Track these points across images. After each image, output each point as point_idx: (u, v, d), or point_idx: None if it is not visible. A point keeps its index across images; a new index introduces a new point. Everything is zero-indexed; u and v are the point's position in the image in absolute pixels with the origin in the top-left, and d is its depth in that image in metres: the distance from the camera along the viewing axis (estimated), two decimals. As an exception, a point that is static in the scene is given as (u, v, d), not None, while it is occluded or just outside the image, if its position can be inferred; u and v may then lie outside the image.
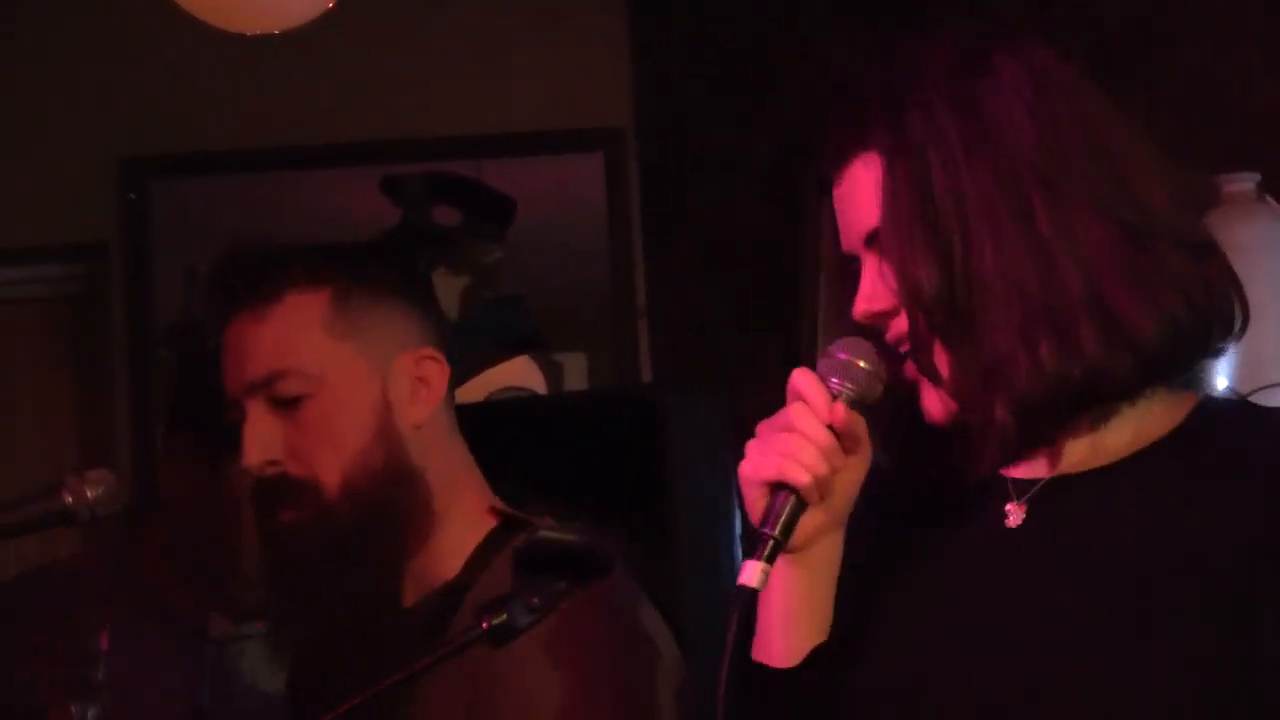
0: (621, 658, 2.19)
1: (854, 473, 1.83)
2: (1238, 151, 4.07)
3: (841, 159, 1.86)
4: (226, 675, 2.79)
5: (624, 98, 5.14)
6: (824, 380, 1.81)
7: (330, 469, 2.22)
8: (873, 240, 1.84)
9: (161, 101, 5.14)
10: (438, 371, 2.29)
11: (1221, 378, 3.49)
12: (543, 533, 1.89)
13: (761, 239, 4.93)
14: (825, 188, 1.90)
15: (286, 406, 2.24)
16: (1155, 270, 1.78)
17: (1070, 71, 1.86)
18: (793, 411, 1.80)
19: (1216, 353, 1.85)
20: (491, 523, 2.28)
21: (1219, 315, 1.83)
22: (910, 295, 1.80)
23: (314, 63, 5.06)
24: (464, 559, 2.25)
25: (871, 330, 1.85)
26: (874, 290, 1.84)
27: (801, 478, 1.77)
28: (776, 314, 4.78)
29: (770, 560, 1.76)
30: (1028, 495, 1.84)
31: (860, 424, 1.81)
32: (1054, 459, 1.84)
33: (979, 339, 1.77)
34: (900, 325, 1.83)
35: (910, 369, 1.83)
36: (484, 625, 1.83)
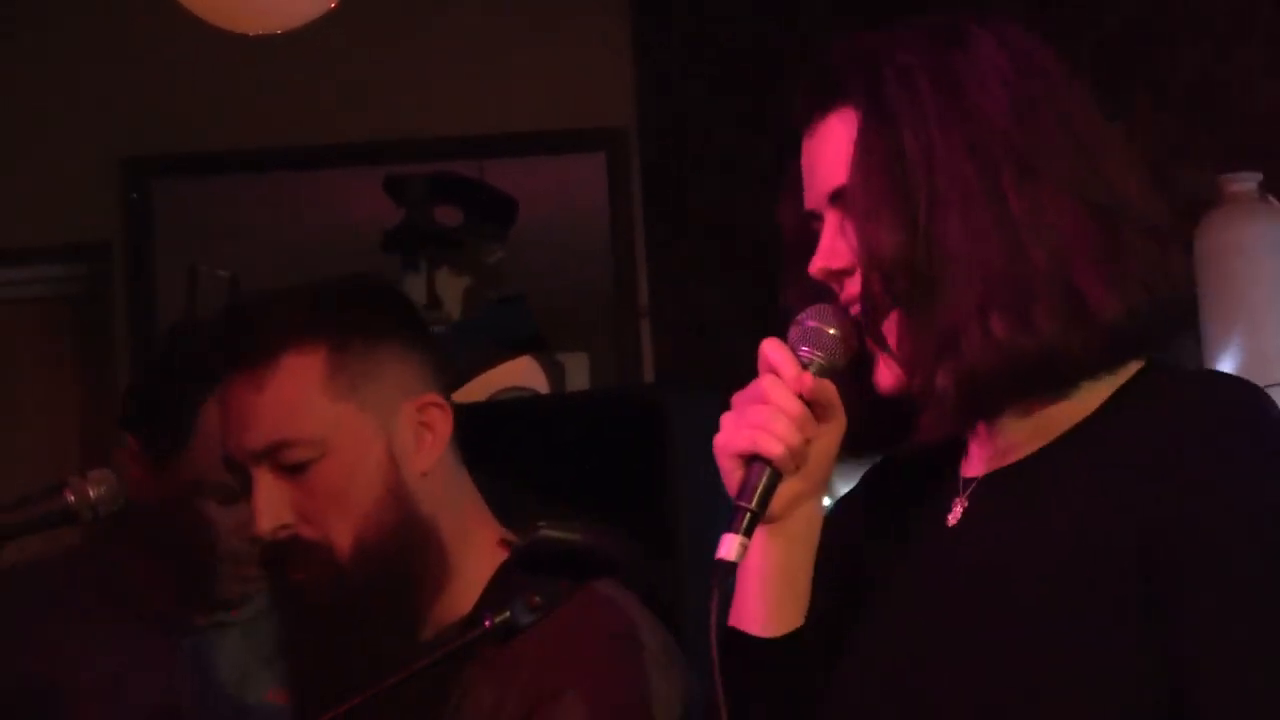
0: (616, 663, 2.18)
1: (829, 439, 1.83)
2: (1240, 151, 4.07)
3: (816, 112, 1.85)
4: (204, 670, 2.80)
5: (625, 97, 5.15)
6: (794, 349, 1.83)
7: (342, 531, 2.20)
8: (838, 197, 1.82)
9: (163, 101, 5.14)
10: (441, 417, 2.26)
11: (1224, 377, 3.50)
12: (544, 532, 1.89)
13: (763, 238, 4.92)
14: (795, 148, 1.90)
15: (293, 471, 2.21)
16: (1122, 253, 1.76)
17: (1049, 56, 1.85)
18: (764, 383, 1.81)
19: (1168, 344, 1.84)
20: (502, 555, 2.26)
21: (1180, 304, 1.82)
22: (869, 256, 1.78)
23: (316, 63, 5.06)
24: (478, 594, 2.24)
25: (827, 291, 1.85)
26: (833, 248, 1.83)
27: (774, 449, 1.78)
28: (778, 314, 4.78)
29: (748, 533, 1.77)
30: (968, 492, 1.84)
31: (831, 391, 1.82)
32: (1005, 451, 1.83)
33: (933, 306, 1.76)
34: (855, 286, 1.82)
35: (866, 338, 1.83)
36: (486, 623, 1.83)
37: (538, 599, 1.85)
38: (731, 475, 1.81)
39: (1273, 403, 1.78)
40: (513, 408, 4.17)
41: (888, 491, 1.92)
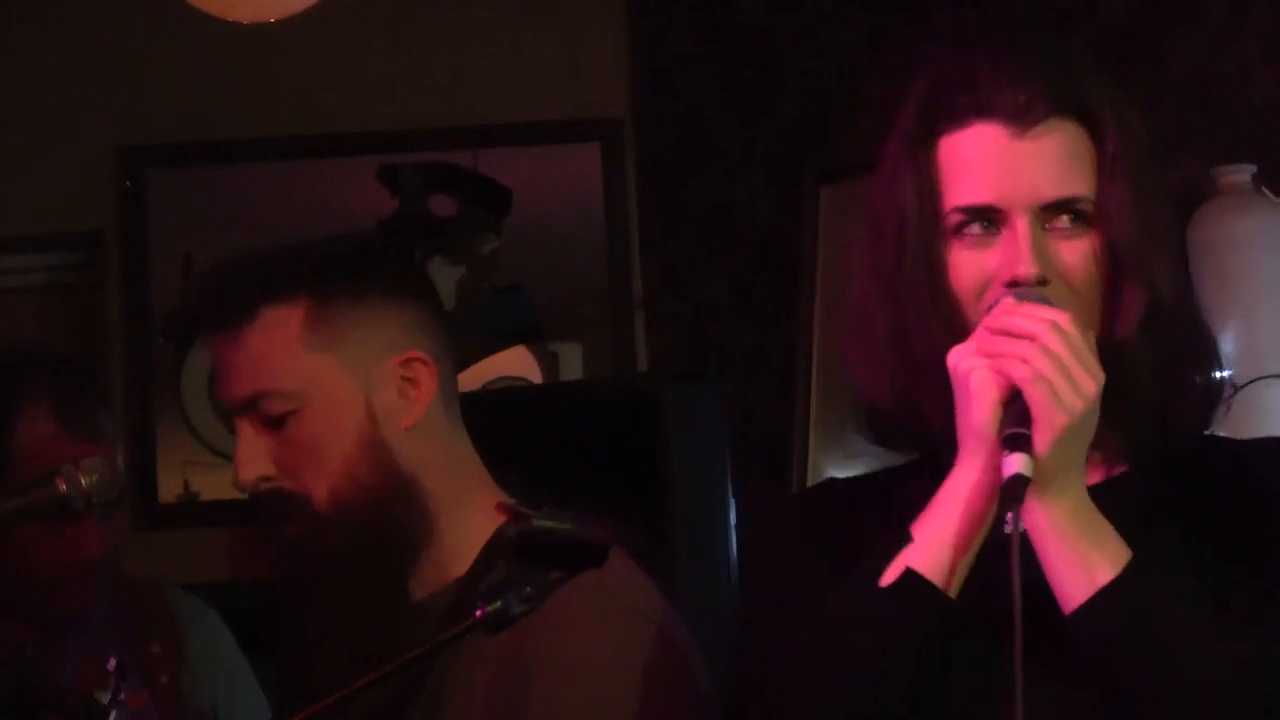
0: (624, 637, 2.18)
1: None
2: (1235, 144, 4.07)
3: (1044, 114, 1.88)
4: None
5: (621, 88, 5.14)
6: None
7: (319, 483, 2.22)
8: (1059, 209, 1.87)
9: (158, 90, 5.13)
10: (427, 373, 2.27)
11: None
12: (537, 522, 1.89)
13: (759, 230, 4.93)
14: (916, 146, 1.92)
15: (274, 423, 2.23)
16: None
17: None
18: (1068, 323, 1.82)
19: None
20: (500, 519, 2.27)
21: None
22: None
23: (311, 52, 5.06)
24: (472, 556, 2.24)
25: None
26: (1036, 258, 1.86)
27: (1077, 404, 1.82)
28: (774, 305, 4.78)
29: (1031, 454, 1.80)
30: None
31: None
32: None
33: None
34: (1053, 299, 1.85)
35: None
36: (479, 613, 1.83)
37: (529, 589, 1.85)
38: (991, 395, 1.82)
39: None
40: (506, 397, 4.18)
41: (876, 508, 1.94)
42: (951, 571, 1.85)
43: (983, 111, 1.88)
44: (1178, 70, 4.32)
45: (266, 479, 2.23)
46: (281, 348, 2.23)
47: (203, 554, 4.78)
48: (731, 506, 3.56)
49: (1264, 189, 3.86)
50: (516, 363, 4.69)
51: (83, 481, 2.23)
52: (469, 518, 2.26)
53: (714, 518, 3.53)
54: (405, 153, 5.03)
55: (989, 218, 1.87)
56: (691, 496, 3.47)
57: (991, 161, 1.87)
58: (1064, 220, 1.86)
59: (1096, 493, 1.85)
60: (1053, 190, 1.85)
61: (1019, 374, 1.79)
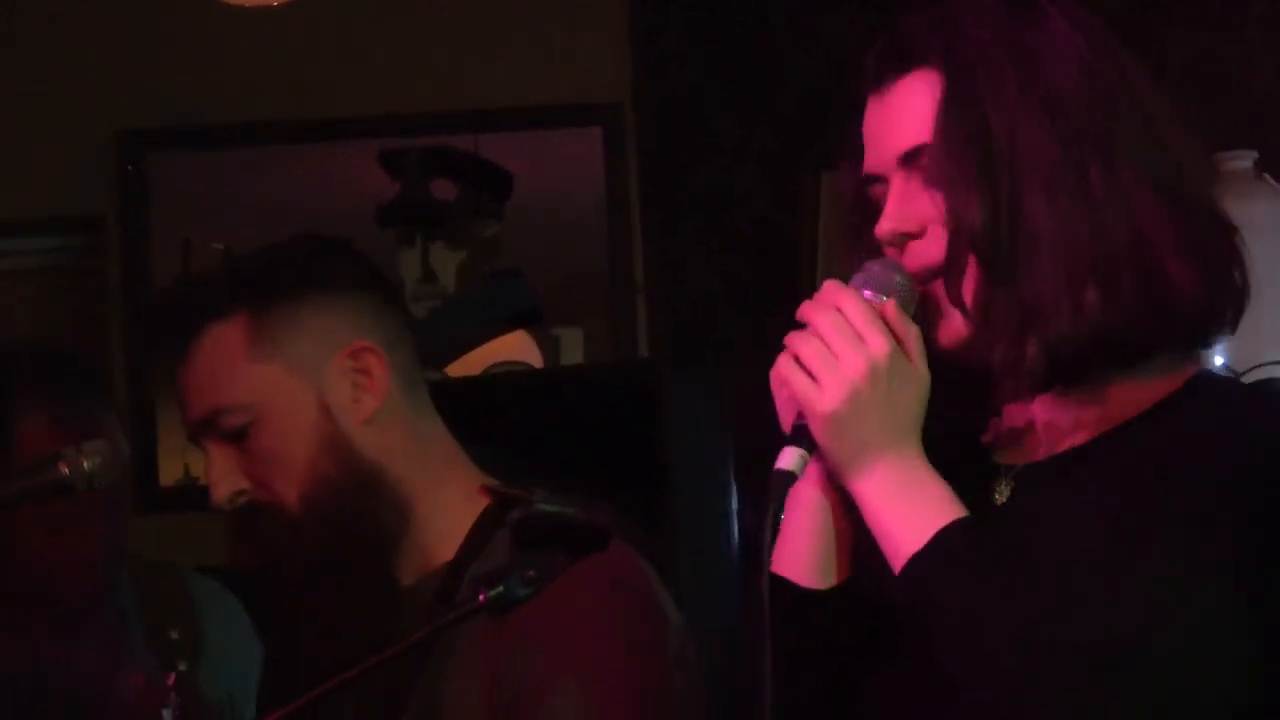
0: (634, 630, 2.19)
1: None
2: (1236, 131, 4.07)
3: (890, 74, 1.86)
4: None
5: (623, 73, 5.14)
6: (858, 292, 1.82)
7: (287, 490, 2.23)
8: (911, 159, 1.83)
9: (159, 74, 5.13)
10: (376, 362, 2.27)
11: (1218, 355, 3.51)
12: (540, 506, 1.89)
13: (760, 215, 4.93)
14: (845, 153, 1.90)
15: (236, 438, 2.25)
16: (1195, 238, 1.81)
17: (1116, 40, 1.89)
18: (842, 301, 1.80)
19: (1226, 330, 1.88)
20: (484, 501, 2.27)
21: (1241, 292, 1.86)
22: (957, 223, 1.80)
23: (312, 36, 5.06)
24: (460, 540, 2.25)
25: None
26: (904, 211, 1.84)
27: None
28: (774, 289, 4.78)
29: (810, 449, 1.78)
30: (1014, 474, 1.86)
31: (912, 333, 1.81)
32: (1047, 441, 1.86)
33: (1023, 278, 1.78)
34: (924, 251, 1.83)
35: (931, 294, 1.84)
36: (481, 598, 1.83)
37: (532, 572, 1.85)
38: (782, 391, 1.81)
39: None
40: (506, 382, 4.17)
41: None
42: (810, 561, 1.85)
43: (867, 88, 1.90)
44: (1179, 57, 4.33)
45: (241, 493, 2.26)
46: (226, 364, 2.25)
47: (202, 537, 4.77)
48: (733, 494, 3.55)
49: (1265, 175, 3.87)
50: (517, 346, 4.70)
51: (85, 464, 2.23)
52: (448, 501, 2.27)
53: (714, 505, 3.52)
54: (406, 137, 5.03)
55: (880, 183, 1.88)
56: (692, 483, 3.46)
57: (867, 129, 1.89)
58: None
59: (1069, 457, 1.83)
60: (898, 142, 1.84)
61: (778, 369, 1.80)
